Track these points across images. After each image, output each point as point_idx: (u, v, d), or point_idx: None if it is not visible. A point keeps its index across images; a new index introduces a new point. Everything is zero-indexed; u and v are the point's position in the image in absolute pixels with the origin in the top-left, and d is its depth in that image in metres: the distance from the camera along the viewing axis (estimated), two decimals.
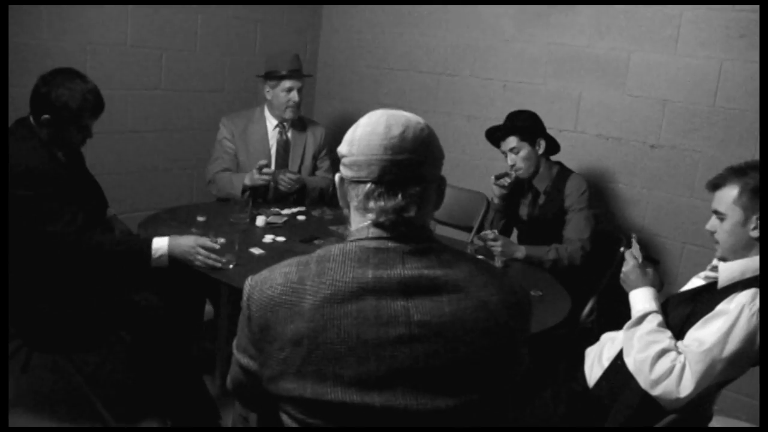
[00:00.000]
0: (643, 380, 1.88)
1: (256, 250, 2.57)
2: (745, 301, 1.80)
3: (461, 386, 1.15)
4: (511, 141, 2.89)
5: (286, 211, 3.13)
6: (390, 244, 1.19)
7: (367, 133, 1.21)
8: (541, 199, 2.98)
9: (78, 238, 2.29)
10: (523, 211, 3.07)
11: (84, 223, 2.32)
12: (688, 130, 3.10)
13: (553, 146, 2.97)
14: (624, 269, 2.11)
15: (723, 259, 1.96)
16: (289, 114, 3.38)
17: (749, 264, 1.88)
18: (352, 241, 1.21)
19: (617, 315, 2.25)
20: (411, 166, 1.19)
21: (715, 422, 2.18)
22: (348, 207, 1.26)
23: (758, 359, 1.84)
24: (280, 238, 2.74)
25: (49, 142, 2.34)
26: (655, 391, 1.85)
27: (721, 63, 2.99)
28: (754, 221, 1.87)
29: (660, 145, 3.18)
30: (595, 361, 2.13)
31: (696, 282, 2.07)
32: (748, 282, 1.85)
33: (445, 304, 1.16)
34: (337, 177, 1.27)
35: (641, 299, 2.03)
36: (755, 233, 1.87)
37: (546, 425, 2.06)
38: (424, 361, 1.13)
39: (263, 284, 1.20)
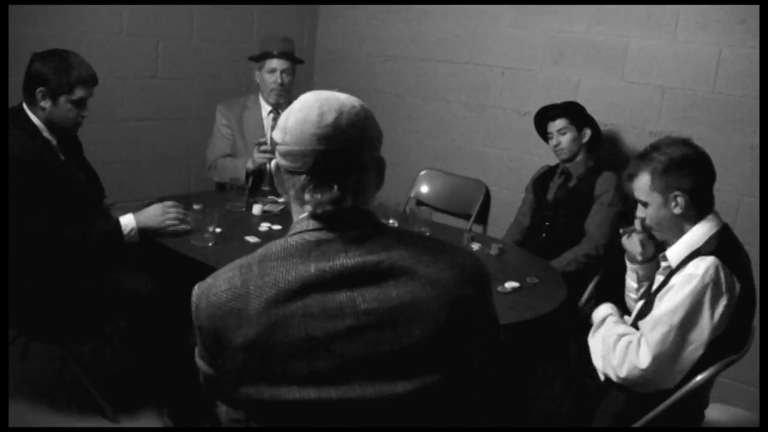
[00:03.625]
0: (612, 372, 1.93)
1: (252, 239, 2.57)
2: (691, 270, 1.84)
3: (420, 368, 1.13)
4: (561, 122, 3.04)
5: (282, 200, 3.12)
6: (330, 234, 1.16)
7: (300, 121, 1.16)
8: (572, 182, 3.07)
9: (50, 235, 2.29)
10: (551, 194, 3.13)
11: (60, 221, 2.31)
12: (687, 117, 3.08)
13: (596, 141, 3.09)
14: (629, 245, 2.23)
15: (665, 243, 2.02)
16: (273, 97, 3.32)
17: (690, 239, 1.94)
18: (293, 234, 1.18)
19: (616, 302, 2.26)
20: (346, 155, 1.15)
21: (712, 410, 2.18)
22: (287, 195, 1.23)
23: (718, 333, 1.84)
24: (276, 227, 2.74)
25: (46, 125, 2.35)
26: (622, 373, 1.89)
27: (720, 49, 2.96)
28: (672, 199, 1.92)
29: (659, 132, 3.15)
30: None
31: (659, 279, 2.08)
32: (693, 254, 1.89)
33: (392, 288, 1.13)
34: (273, 164, 1.23)
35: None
36: (678, 210, 1.93)
37: (551, 421, 2.05)
38: (376, 349, 1.11)
39: (209, 292, 1.17)
